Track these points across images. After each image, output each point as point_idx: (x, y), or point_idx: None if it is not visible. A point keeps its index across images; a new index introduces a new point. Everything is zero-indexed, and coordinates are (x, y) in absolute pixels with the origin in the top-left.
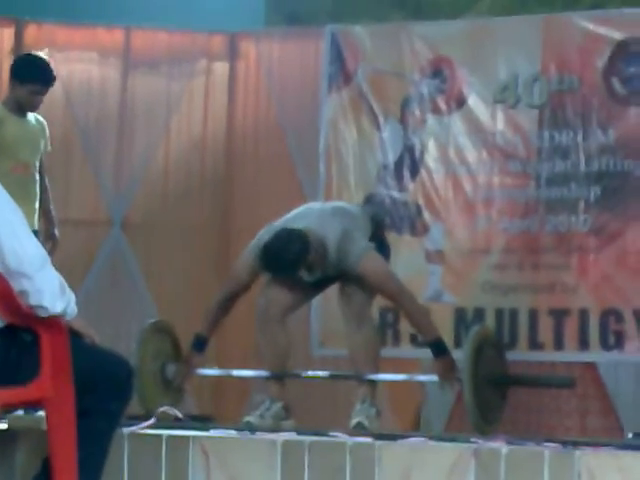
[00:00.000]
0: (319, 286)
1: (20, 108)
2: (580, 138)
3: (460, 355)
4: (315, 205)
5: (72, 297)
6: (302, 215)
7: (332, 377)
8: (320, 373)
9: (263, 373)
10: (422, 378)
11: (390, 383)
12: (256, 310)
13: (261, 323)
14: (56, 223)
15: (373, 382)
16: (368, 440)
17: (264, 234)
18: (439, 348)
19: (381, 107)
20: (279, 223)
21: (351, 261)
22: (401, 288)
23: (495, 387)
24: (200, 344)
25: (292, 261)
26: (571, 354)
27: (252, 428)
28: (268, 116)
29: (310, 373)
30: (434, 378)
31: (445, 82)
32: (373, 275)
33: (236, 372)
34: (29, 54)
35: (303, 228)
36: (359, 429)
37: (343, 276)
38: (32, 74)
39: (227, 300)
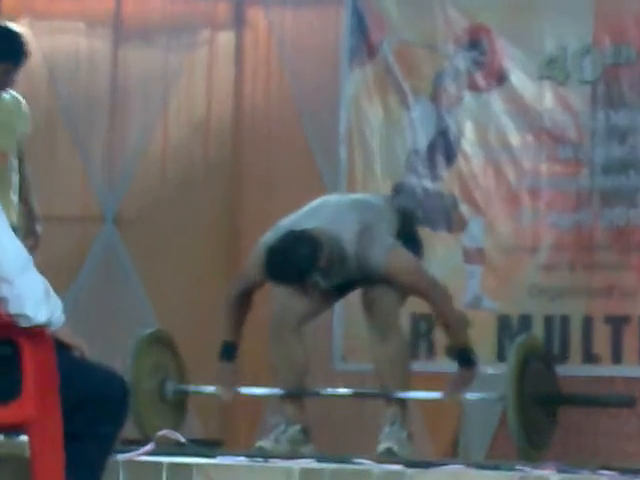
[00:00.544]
0: (340, 290)
1: None
2: (639, 118)
3: (504, 370)
4: (331, 199)
5: (58, 304)
6: (315, 211)
7: (356, 395)
8: (342, 391)
9: (277, 391)
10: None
11: (423, 402)
12: (269, 319)
13: (275, 334)
14: (38, 217)
15: (403, 401)
16: (398, 468)
17: (271, 236)
18: (466, 357)
19: (410, 84)
20: (288, 222)
21: (374, 262)
22: (434, 284)
23: (544, 406)
24: (229, 351)
25: (300, 269)
26: (631, 368)
27: (265, 454)
28: (281, 94)
29: (331, 391)
30: (475, 395)
31: (483, 55)
32: (402, 274)
33: (246, 390)
34: None
35: (314, 228)
36: (388, 455)
37: (367, 279)
38: (0, 51)
39: (244, 295)
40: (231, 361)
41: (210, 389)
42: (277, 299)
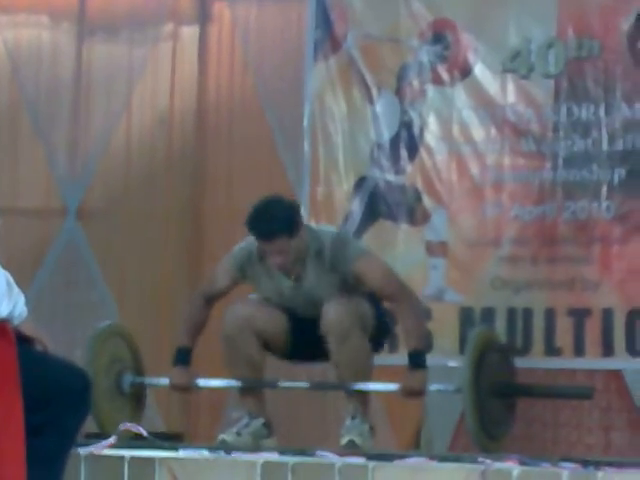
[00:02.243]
0: (302, 338)
1: None
2: (602, 112)
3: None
4: None
5: (21, 298)
6: None
7: (313, 388)
8: (299, 383)
9: (235, 383)
10: None
11: (386, 395)
12: (228, 319)
13: (235, 334)
14: None
15: (364, 395)
16: (360, 460)
17: (244, 243)
18: (419, 360)
19: (374, 77)
20: None
21: (347, 258)
22: (404, 288)
23: (501, 398)
24: (184, 357)
25: (283, 217)
26: (593, 361)
27: (228, 447)
28: (245, 88)
29: (287, 383)
30: (442, 387)
31: (447, 49)
32: (372, 275)
33: (203, 382)
34: None
35: None
36: (350, 448)
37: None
38: None
39: (208, 300)
40: (187, 366)
41: (167, 381)
42: (243, 306)
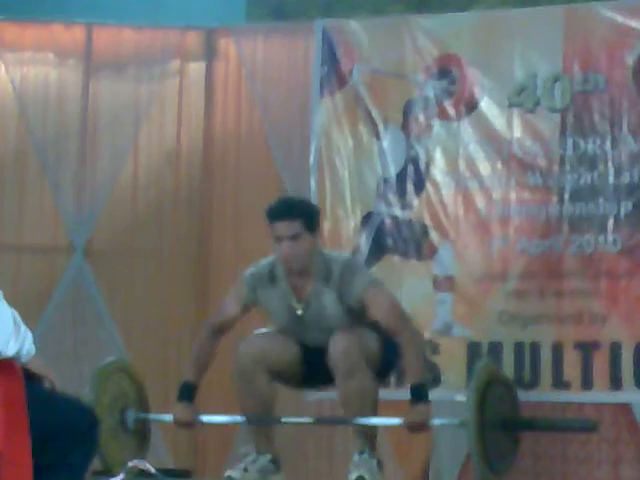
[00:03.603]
0: (314, 367)
1: None
2: (608, 146)
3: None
4: None
5: (28, 336)
6: None
7: (317, 423)
8: (303, 419)
9: (238, 419)
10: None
11: (393, 430)
12: (240, 355)
13: (245, 374)
14: None
15: (372, 430)
16: None
17: (253, 267)
18: (420, 394)
19: (380, 113)
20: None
21: (354, 289)
22: (405, 323)
23: (505, 431)
24: (189, 392)
25: (303, 207)
26: (601, 394)
27: None
28: (251, 124)
29: (291, 419)
30: (445, 421)
31: (453, 83)
32: (376, 307)
33: (206, 418)
34: None
35: None
36: None
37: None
38: None
39: (218, 332)
40: (190, 402)
41: (171, 417)
42: (255, 341)
